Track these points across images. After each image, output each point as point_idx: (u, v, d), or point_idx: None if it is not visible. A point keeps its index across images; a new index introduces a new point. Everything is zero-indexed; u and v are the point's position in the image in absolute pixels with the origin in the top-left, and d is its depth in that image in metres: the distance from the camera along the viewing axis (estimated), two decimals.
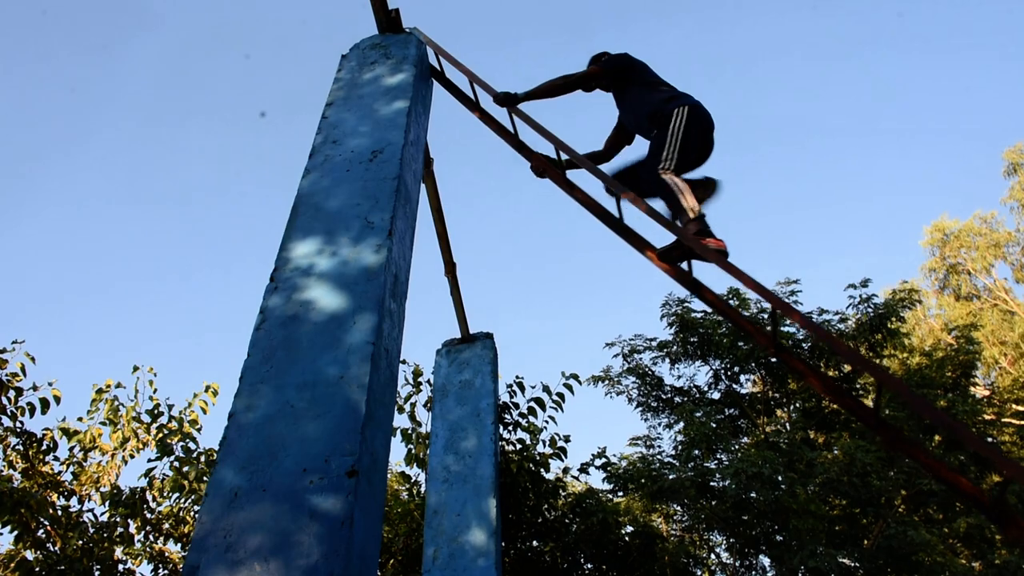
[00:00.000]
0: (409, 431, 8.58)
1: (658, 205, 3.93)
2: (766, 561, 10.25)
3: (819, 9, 61.66)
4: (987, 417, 11.65)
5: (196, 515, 7.68)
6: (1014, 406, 14.66)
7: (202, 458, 7.59)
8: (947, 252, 24.14)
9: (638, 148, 4.51)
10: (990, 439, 10.65)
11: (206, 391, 7.96)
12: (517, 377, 8.81)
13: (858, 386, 11.44)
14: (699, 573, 10.15)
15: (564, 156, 4.26)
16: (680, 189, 3.77)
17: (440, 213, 5.88)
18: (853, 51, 56.83)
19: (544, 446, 8.75)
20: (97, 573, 6.83)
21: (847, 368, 11.50)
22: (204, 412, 7.91)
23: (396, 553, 7.99)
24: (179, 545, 7.67)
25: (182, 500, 7.64)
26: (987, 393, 15.97)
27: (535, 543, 8.45)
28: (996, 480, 10.17)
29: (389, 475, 8.89)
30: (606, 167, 4.50)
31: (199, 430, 7.84)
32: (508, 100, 4.45)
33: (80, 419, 7.64)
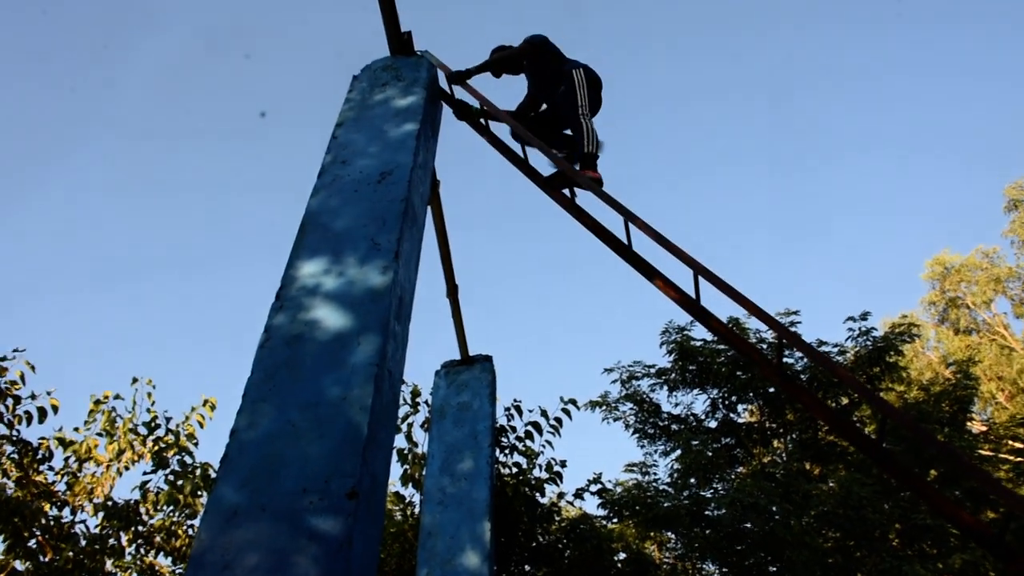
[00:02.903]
0: (405, 451, 8.54)
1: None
2: None
3: (826, 35, 62.18)
4: (984, 453, 11.64)
5: (188, 530, 7.66)
6: (1011, 442, 14.62)
7: (197, 472, 7.55)
8: (947, 286, 24.18)
9: None
10: None
11: (204, 405, 7.94)
12: (515, 400, 8.72)
13: (855, 418, 11.41)
14: None
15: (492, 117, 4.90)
16: (588, 132, 4.77)
17: (444, 235, 5.90)
18: (849, 84, 57.21)
19: (540, 470, 8.71)
20: None
21: (844, 400, 11.48)
22: (201, 426, 7.88)
23: (389, 574, 7.94)
24: (170, 559, 7.62)
25: (175, 514, 7.60)
26: (984, 428, 15.91)
27: (528, 567, 8.39)
28: (992, 516, 10.12)
29: None
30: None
31: (196, 444, 7.81)
32: (459, 77, 4.97)
33: (77, 429, 7.62)
